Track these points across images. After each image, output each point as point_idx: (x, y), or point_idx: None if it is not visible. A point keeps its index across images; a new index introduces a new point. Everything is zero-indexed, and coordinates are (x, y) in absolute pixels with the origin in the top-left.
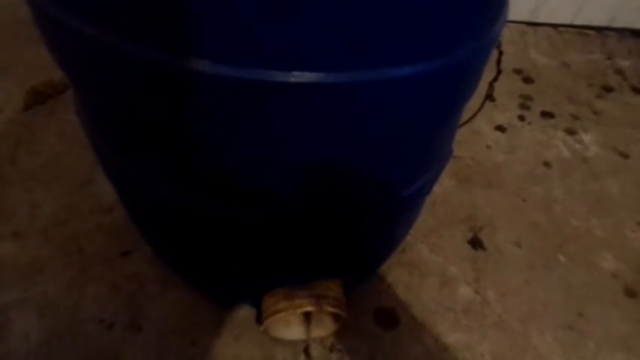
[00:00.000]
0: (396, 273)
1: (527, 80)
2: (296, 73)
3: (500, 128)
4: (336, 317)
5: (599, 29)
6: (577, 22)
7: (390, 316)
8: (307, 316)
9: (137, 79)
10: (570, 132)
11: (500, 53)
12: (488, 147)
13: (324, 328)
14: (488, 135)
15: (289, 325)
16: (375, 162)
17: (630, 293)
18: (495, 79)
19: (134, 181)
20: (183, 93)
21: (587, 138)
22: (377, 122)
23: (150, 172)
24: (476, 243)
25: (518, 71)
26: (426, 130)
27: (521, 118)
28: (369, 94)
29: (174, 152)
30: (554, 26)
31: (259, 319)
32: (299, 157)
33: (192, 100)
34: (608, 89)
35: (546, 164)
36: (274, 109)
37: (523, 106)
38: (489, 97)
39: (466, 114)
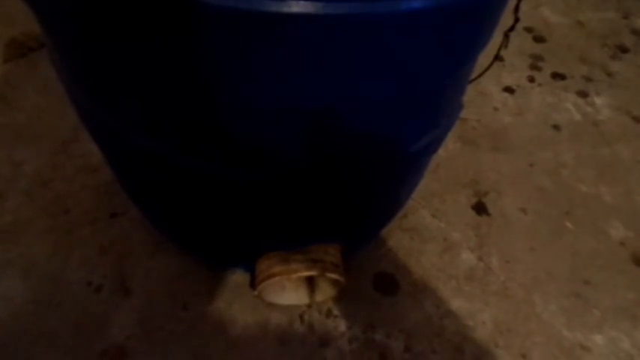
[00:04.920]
0: (396, 238)
1: (539, 39)
2: (290, 2)
3: (508, 89)
4: (333, 282)
5: None
6: None
7: (390, 282)
8: (304, 281)
9: (121, 13)
10: (582, 94)
11: None
12: (496, 109)
13: (321, 294)
14: (496, 96)
15: (285, 290)
16: (381, 112)
17: (638, 262)
18: (512, 28)
19: (117, 137)
20: (167, 25)
21: (599, 101)
22: (383, 64)
23: (135, 126)
24: (480, 208)
25: (529, 30)
26: (438, 77)
27: (531, 79)
28: (374, 30)
29: (160, 101)
30: None
31: (253, 284)
32: (296, 104)
33: (177, 34)
34: (624, 50)
35: (556, 128)
36: (266, 46)
37: (533, 67)
38: (497, 57)
39: (472, 73)
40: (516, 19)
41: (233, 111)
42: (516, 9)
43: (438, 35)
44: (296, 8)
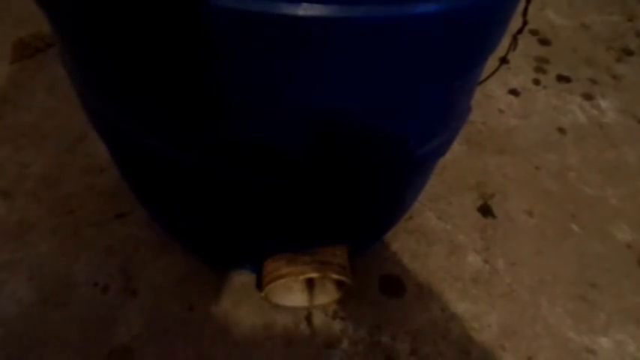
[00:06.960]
0: (402, 240)
1: (544, 42)
2: (305, 5)
3: (513, 92)
4: (340, 284)
5: None
6: None
7: (396, 284)
8: (310, 283)
9: (133, 15)
10: (587, 97)
11: (528, 1)
12: (501, 111)
13: (327, 295)
14: (501, 99)
15: (291, 291)
16: (391, 114)
17: None
18: (520, 30)
19: (126, 137)
20: (182, 27)
21: (604, 103)
22: (395, 67)
23: (145, 126)
24: (486, 211)
25: (534, 32)
26: (449, 80)
27: (536, 81)
28: (387, 34)
29: (171, 101)
30: None
31: (260, 285)
32: (308, 105)
33: (191, 37)
34: (629, 53)
35: (561, 130)
36: (280, 48)
37: (538, 70)
38: (504, 59)
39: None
40: (525, 22)
41: (242, 112)
42: (525, 12)
43: (450, 38)
44: (311, 11)
